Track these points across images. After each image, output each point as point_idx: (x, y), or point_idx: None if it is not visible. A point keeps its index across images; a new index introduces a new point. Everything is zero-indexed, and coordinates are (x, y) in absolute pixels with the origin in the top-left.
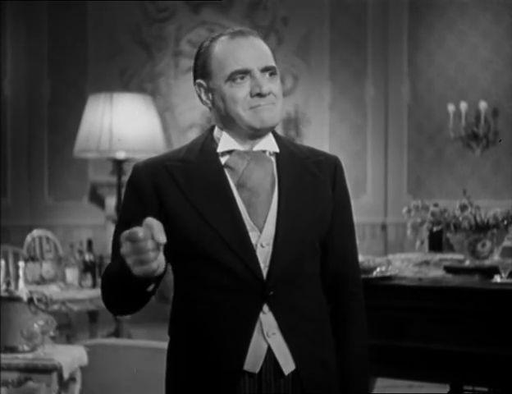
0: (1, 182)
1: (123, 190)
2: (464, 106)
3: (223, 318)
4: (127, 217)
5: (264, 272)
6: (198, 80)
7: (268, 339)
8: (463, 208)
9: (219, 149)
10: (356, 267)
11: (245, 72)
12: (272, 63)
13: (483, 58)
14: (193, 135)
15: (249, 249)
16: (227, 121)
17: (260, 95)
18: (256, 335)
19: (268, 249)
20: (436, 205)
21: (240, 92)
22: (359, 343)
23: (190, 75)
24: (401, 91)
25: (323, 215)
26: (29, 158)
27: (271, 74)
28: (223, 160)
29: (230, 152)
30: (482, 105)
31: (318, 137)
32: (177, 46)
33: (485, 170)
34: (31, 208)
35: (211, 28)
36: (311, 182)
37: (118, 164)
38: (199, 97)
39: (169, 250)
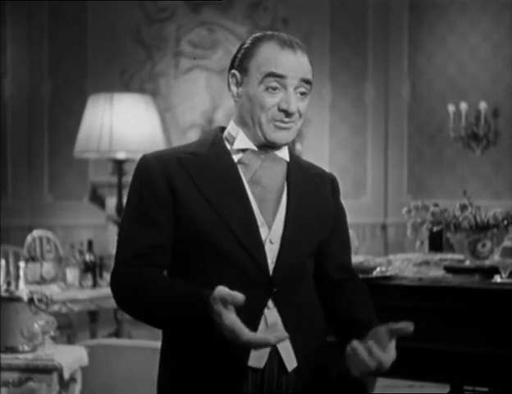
0: (1, 182)
1: (124, 191)
2: (464, 106)
3: None
4: (145, 212)
5: (271, 269)
6: (233, 71)
7: None
8: (463, 208)
9: (235, 146)
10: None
11: (281, 77)
12: (310, 77)
13: (483, 59)
14: (193, 135)
15: (259, 245)
16: (248, 120)
17: (286, 113)
18: (261, 330)
19: (276, 246)
20: (436, 205)
21: (270, 101)
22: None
23: (190, 75)
24: (401, 91)
25: (326, 220)
26: (29, 158)
27: (302, 93)
28: (236, 157)
29: (243, 150)
30: (483, 105)
31: (319, 137)
32: (177, 46)
33: (485, 170)
34: (31, 208)
35: (211, 28)
36: (315, 189)
37: (118, 164)
38: (228, 86)
39: (175, 240)
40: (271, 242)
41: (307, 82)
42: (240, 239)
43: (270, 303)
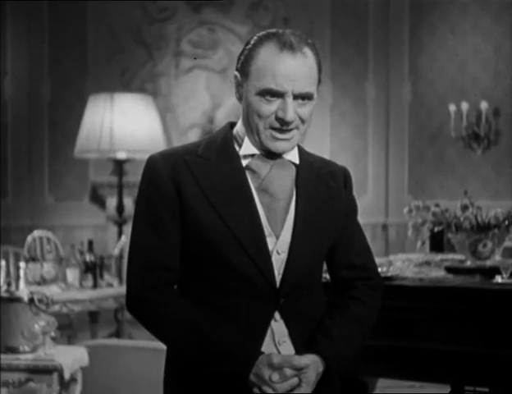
0: (1, 182)
1: (124, 191)
2: (465, 106)
3: (234, 323)
4: (154, 218)
5: (277, 280)
6: (236, 73)
7: (279, 347)
8: (464, 208)
9: (242, 152)
10: (373, 267)
11: (278, 94)
12: (309, 89)
13: (484, 58)
14: (193, 136)
15: (266, 256)
16: (247, 125)
17: (283, 121)
18: (268, 342)
19: (284, 256)
20: (437, 205)
21: (267, 109)
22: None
23: (191, 75)
24: (402, 91)
25: (336, 226)
26: (29, 158)
27: (304, 98)
28: (244, 162)
29: (251, 154)
30: (483, 105)
31: (319, 138)
32: (178, 46)
33: (486, 170)
34: (32, 209)
35: (212, 28)
36: (326, 192)
37: (119, 164)
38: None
39: (182, 245)
40: (278, 253)
41: (306, 96)
42: (247, 249)
43: (277, 314)
